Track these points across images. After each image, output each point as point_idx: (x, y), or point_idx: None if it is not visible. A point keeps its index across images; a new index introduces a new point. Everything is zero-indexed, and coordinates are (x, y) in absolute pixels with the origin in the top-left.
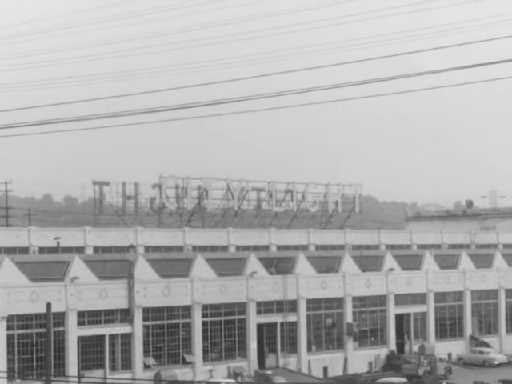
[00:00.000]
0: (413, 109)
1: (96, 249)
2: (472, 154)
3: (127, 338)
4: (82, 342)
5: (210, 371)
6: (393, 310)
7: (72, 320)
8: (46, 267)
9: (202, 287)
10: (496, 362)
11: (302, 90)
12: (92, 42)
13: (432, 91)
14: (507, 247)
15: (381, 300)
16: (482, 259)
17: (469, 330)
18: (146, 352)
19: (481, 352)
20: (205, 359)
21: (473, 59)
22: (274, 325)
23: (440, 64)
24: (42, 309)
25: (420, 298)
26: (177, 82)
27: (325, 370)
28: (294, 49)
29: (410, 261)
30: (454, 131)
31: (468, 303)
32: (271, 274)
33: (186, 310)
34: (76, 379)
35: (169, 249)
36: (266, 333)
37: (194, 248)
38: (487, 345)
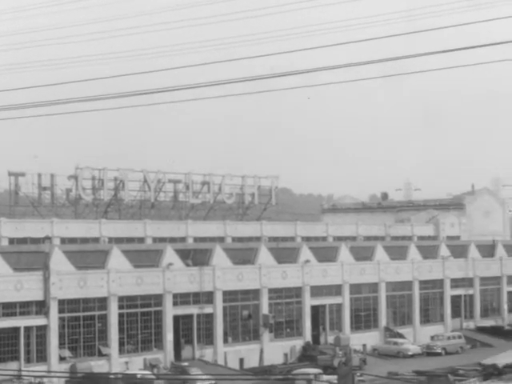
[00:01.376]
0: (330, 101)
1: (11, 240)
2: (387, 147)
3: (42, 330)
4: None
5: (126, 363)
6: (308, 302)
7: None
8: None
9: (118, 279)
10: (410, 353)
11: (221, 82)
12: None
13: (347, 84)
14: (421, 239)
15: (297, 291)
16: (397, 251)
17: (383, 321)
18: (61, 344)
19: (395, 343)
20: (121, 351)
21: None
22: (190, 316)
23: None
24: None
25: (335, 290)
26: (89, 73)
27: (241, 361)
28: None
29: (325, 253)
30: (371, 124)
31: (383, 295)
32: (188, 265)
33: (102, 302)
34: None
35: (85, 240)
36: (182, 324)
37: (111, 239)
38: (401, 336)
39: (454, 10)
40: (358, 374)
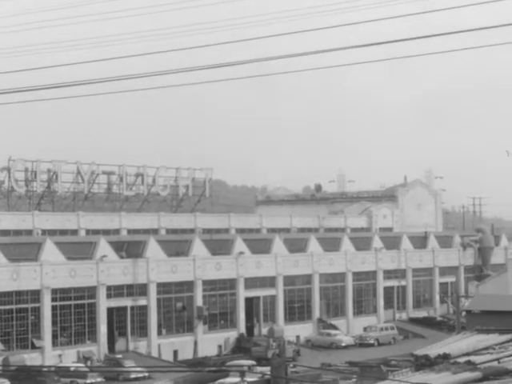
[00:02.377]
0: (262, 93)
1: None
2: (321, 139)
3: None
4: None
5: (60, 356)
6: (242, 294)
7: None
8: None
9: (51, 271)
10: (343, 344)
11: (156, 73)
12: None
13: (281, 76)
14: (355, 231)
15: (231, 283)
16: (330, 243)
17: (317, 312)
18: None
19: (328, 334)
20: (54, 344)
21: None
22: (124, 309)
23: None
24: None
25: (269, 282)
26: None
27: (175, 353)
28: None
29: (259, 244)
30: (303, 116)
31: (316, 286)
32: (121, 257)
33: (35, 295)
34: None
35: (18, 232)
36: (116, 317)
37: (44, 232)
38: (335, 327)
39: None
40: (291, 365)
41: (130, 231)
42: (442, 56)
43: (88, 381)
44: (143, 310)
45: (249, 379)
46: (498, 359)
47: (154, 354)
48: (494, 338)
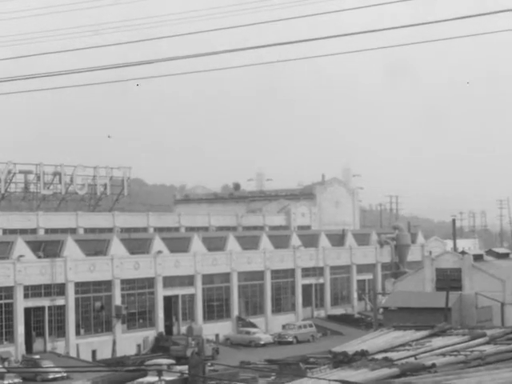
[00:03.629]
0: (179, 91)
1: None
2: (239, 137)
3: None
4: None
5: None
6: (161, 292)
7: None
8: None
9: None
10: (262, 342)
11: (75, 71)
12: None
13: (203, 74)
14: (273, 229)
15: (149, 282)
16: (249, 241)
17: (236, 310)
18: None
19: (247, 332)
20: None
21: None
22: (41, 309)
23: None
24: None
25: (188, 280)
26: None
27: (93, 353)
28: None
29: (178, 243)
30: (221, 114)
31: (235, 284)
32: (39, 257)
33: None
34: None
35: None
36: (33, 317)
37: None
38: (253, 325)
39: None
40: (210, 363)
41: (47, 230)
42: (365, 53)
43: (5, 381)
44: (61, 309)
45: (167, 378)
46: (414, 355)
47: (73, 353)
48: (411, 335)
